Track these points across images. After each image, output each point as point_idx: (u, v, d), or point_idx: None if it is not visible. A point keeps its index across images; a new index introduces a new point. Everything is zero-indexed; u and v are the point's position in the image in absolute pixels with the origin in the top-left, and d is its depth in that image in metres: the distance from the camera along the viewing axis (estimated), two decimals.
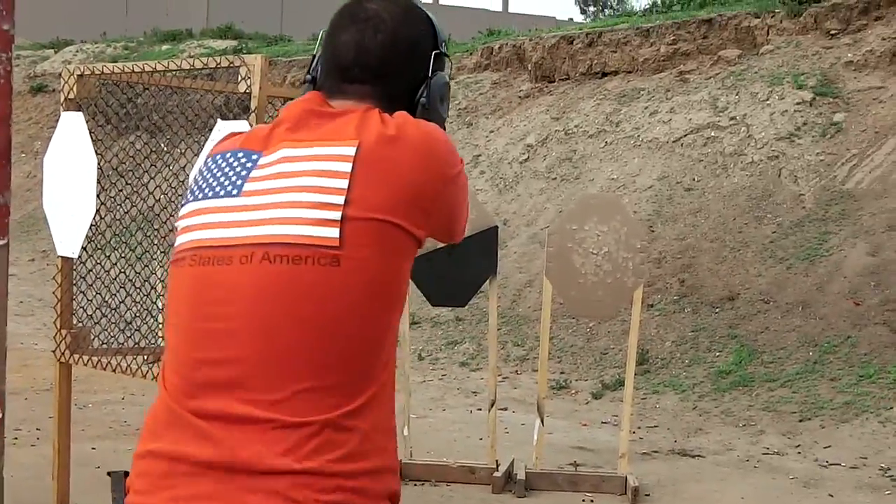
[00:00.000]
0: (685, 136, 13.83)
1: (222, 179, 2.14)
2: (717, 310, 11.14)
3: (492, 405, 7.56)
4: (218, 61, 4.67)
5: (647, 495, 7.34)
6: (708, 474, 7.94)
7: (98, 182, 4.96)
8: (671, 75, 15.13)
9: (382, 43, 2.21)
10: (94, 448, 7.70)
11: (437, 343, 12.26)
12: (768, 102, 13.52)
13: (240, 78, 4.45)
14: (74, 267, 5.22)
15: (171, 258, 2.18)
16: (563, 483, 7.39)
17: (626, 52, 15.91)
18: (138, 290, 5.51)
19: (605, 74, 16.10)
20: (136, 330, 5.34)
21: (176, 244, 2.17)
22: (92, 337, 5.22)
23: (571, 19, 46.82)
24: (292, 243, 1.99)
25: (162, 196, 5.63)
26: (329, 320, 1.98)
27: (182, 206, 2.22)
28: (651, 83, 15.25)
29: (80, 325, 5.29)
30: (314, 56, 2.33)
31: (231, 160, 2.16)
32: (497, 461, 7.48)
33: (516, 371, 11.28)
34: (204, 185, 2.17)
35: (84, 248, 5.10)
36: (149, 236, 6.00)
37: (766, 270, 11.28)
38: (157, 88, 5.69)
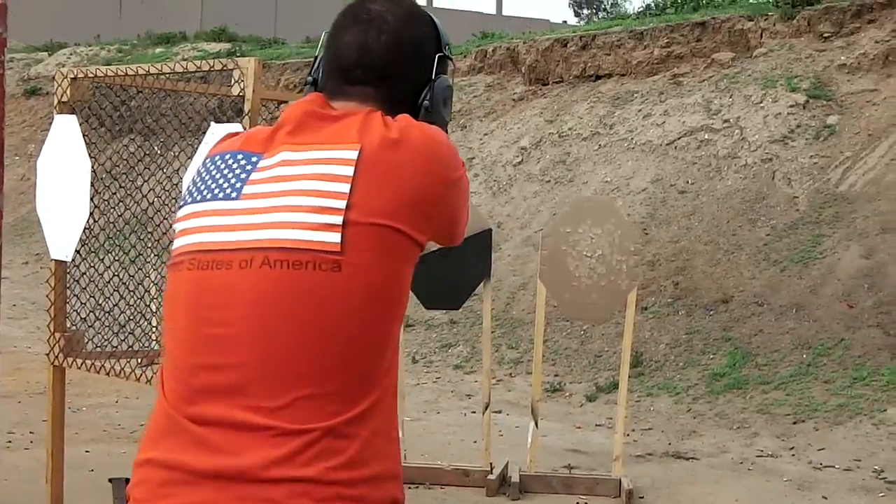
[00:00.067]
0: (679, 138, 13.84)
1: (221, 182, 2.11)
2: (711, 312, 11.14)
3: (486, 408, 7.56)
4: (211, 64, 4.67)
5: (641, 498, 7.35)
6: (702, 476, 7.94)
7: (92, 185, 4.94)
8: (665, 78, 15.14)
9: (386, 44, 2.17)
10: (87, 451, 7.69)
11: (431, 346, 12.26)
12: (762, 105, 13.53)
13: (233, 81, 4.44)
14: (68, 270, 5.21)
15: (169, 261, 2.14)
16: (557, 486, 7.40)
17: (620, 55, 15.92)
18: (132, 294, 5.50)
19: (598, 77, 16.11)
20: (129, 333, 5.33)
21: (173, 247, 2.14)
22: (85, 340, 5.20)
23: (565, 22, 46.89)
24: (293, 248, 1.96)
25: (156, 199, 5.62)
26: (330, 326, 1.95)
27: (180, 207, 2.18)
28: (645, 86, 15.27)
29: (74, 328, 5.28)
30: (316, 57, 2.29)
31: (230, 162, 2.13)
32: (491, 464, 7.48)
33: (510, 374, 11.28)
34: (202, 187, 2.13)
35: (77, 252, 5.09)
36: (142, 239, 6.00)
37: (760, 273, 11.29)
38: (150, 91, 5.68)
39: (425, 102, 2.22)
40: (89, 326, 5.33)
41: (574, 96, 16.01)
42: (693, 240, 12.19)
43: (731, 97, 13.98)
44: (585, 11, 52.38)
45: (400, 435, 7.42)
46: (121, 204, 5.60)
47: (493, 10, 48.86)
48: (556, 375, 10.93)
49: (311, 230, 1.96)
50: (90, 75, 5.13)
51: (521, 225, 14.09)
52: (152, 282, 6.30)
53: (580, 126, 15.26)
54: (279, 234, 1.98)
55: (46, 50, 28.45)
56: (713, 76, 14.60)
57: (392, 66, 2.18)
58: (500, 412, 9.62)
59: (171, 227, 5.23)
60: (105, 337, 5.30)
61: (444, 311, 11.91)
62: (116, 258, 5.57)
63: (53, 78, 5.26)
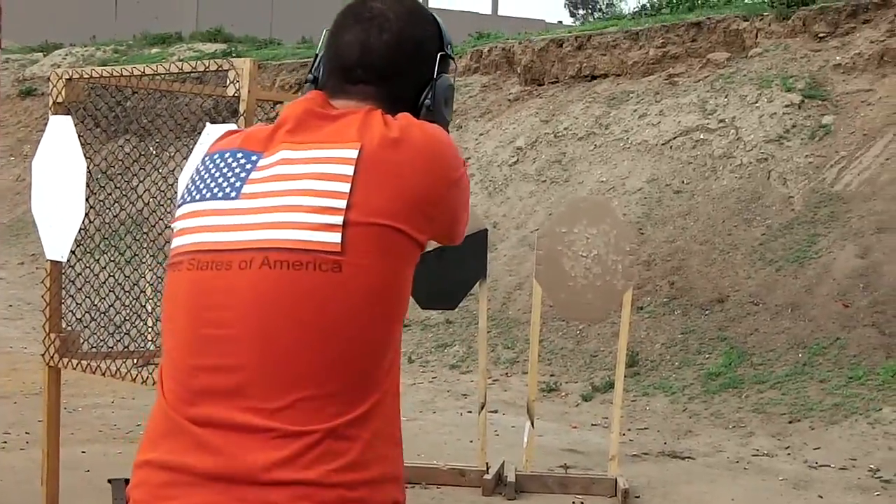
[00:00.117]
0: (674, 138, 13.85)
1: (220, 180, 2.09)
2: (707, 312, 11.15)
3: (482, 408, 7.56)
4: (206, 65, 4.67)
5: (637, 497, 7.35)
6: (698, 476, 7.95)
7: (87, 185, 4.95)
8: (660, 78, 15.15)
9: (387, 43, 2.15)
10: (83, 452, 7.69)
11: (427, 346, 12.26)
12: (757, 105, 13.54)
13: (228, 82, 4.44)
14: (63, 270, 5.21)
15: (168, 261, 2.13)
16: (553, 485, 7.40)
17: (616, 55, 15.93)
18: (127, 294, 5.50)
19: (594, 77, 16.12)
20: (125, 333, 5.33)
21: (172, 246, 2.12)
22: (81, 340, 5.21)
23: (561, 22, 46.90)
24: (292, 248, 1.95)
25: (151, 200, 5.62)
26: (330, 326, 1.94)
27: (178, 206, 2.16)
28: (640, 86, 15.27)
29: (70, 328, 5.28)
30: (317, 55, 2.27)
31: (230, 160, 2.11)
32: (487, 464, 7.48)
33: (506, 374, 11.28)
34: (201, 186, 2.11)
35: (73, 252, 5.09)
36: (138, 240, 5.99)
37: (756, 272, 11.30)
38: (146, 92, 5.67)
39: (427, 101, 2.20)
40: (85, 327, 5.34)
41: (570, 96, 16.02)
42: (689, 239, 12.20)
43: (726, 97, 13.99)
44: (581, 12, 52.40)
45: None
46: (116, 204, 5.60)
47: (488, 11, 48.84)
48: (552, 375, 10.94)
49: (311, 230, 1.95)
50: (85, 76, 5.13)
51: (516, 225, 14.09)
52: (148, 282, 6.30)
53: (576, 126, 15.26)
54: (279, 234, 1.96)
55: (42, 51, 28.42)
56: (709, 76, 14.61)
57: (393, 65, 2.16)
58: (496, 412, 9.63)
59: (166, 227, 5.24)
60: (101, 337, 5.30)
61: (441, 311, 11.92)
62: (112, 259, 5.57)
63: (48, 79, 5.26)
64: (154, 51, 26.17)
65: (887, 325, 9.88)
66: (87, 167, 4.98)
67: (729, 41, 14.94)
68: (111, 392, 9.61)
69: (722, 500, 7.39)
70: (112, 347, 5.29)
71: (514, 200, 14.61)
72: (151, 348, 5.37)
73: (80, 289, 5.38)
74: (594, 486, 7.39)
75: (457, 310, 9.56)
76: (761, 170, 12.65)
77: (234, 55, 22.00)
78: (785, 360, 10.04)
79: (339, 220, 1.94)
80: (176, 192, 4.90)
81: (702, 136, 13.62)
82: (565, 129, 15.34)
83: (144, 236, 5.83)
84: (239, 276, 1.97)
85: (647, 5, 19.42)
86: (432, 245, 2.15)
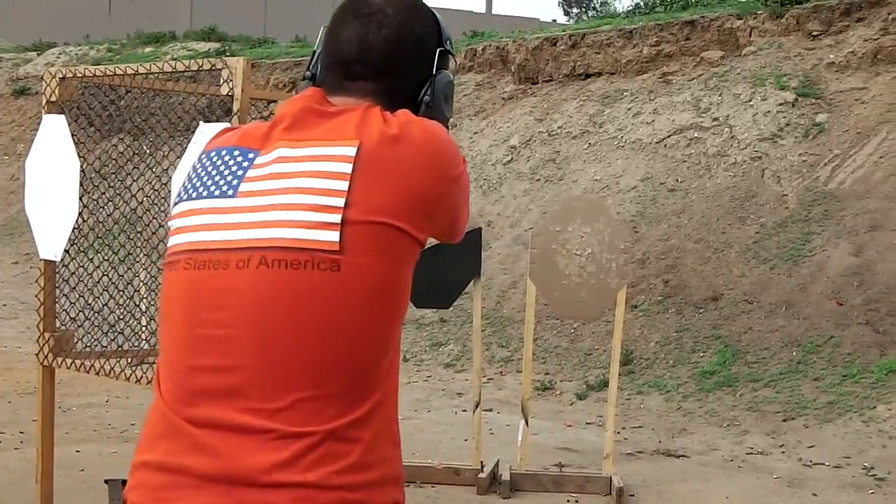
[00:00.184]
0: (668, 137, 13.86)
1: (217, 178, 2.06)
2: (701, 310, 11.16)
3: (476, 406, 7.56)
4: (200, 64, 4.66)
5: (631, 496, 7.35)
6: (692, 474, 7.95)
7: (81, 185, 4.94)
8: (654, 77, 15.16)
9: (386, 38, 2.13)
10: (78, 451, 7.68)
11: (421, 344, 12.26)
12: (751, 103, 13.55)
13: (222, 80, 4.44)
14: (57, 270, 5.20)
15: (165, 260, 2.10)
16: (547, 484, 7.40)
17: (610, 54, 15.93)
18: (121, 293, 5.49)
19: (588, 76, 16.12)
20: (119, 333, 5.32)
21: (169, 245, 2.10)
22: (75, 340, 5.20)
23: (555, 21, 46.87)
24: (291, 247, 1.92)
25: (145, 199, 5.62)
26: (329, 326, 1.92)
27: (175, 204, 2.14)
28: (634, 84, 15.28)
29: (63, 328, 5.27)
30: (314, 52, 2.25)
31: (227, 158, 2.08)
32: (482, 462, 7.48)
33: (501, 372, 11.29)
34: (198, 184, 2.09)
35: (67, 251, 5.08)
36: (132, 239, 5.99)
37: (750, 271, 11.31)
38: (139, 91, 5.67)
39: (426, 98, 2.18)
40: (79, 326, 5.33)
41: (564, 95, 16.02)
42: (683, 238, 12.21)
43: (720, 95, 14.00)
44: (575, 10, 52.36)
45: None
46: (110, 203, 5.59)
47: (482, 9, 48.83)
48: (546, 374, 10.94)
49: (309, 229, 1.93)
50: (79, 75, 5.12)
51: (511, 224, 14.10)
52: (142, 281, 6.30)
53: (570, 125, 15.27)
54: (277, 233, 1.94)
55: (35, 50, 28.38)
56: (702, 74, 14.62)
57: (392, 62, 2.14)
58: (490, 410, 9.63)
59: (160, 226, 5.24)
60: (95, 336, 5.30)
61: (435, 310, 11.91)
62: (106, 258, 5.57)
63: (42, 77, 5.25)
64: (148, 50, 26.15)
65: (881, 323, 9.90)
66: (81, 166, 4.97)
67: (723, 39, 14.96)
68: (105, 391, 9.60)
69: (716, 498, 7.40)
70: (106, 346, 5.28)
71: (509, 199, 14.61)
72: (146, 347, 5.37)
73: (74, 288, 5.37)
74: (589, 485, 7.39)
75: (451, 308, 9.55)
76: (755, 168, 12.66)
77: (227, 54, 21.99)
78: (779, 358, 10.05)
79: (337, 218, 1.92)
80: (170, 192, 4.89)
81: (696, 135, 13.63)
82: (559, 127, 15.34)
83: (138, 235, 5.83)
84: (237, 275, 1.95)
85: (641, 4, 19.45)
86: (428, 242, 2.13)
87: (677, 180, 13.16)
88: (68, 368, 5.19)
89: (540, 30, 19.76)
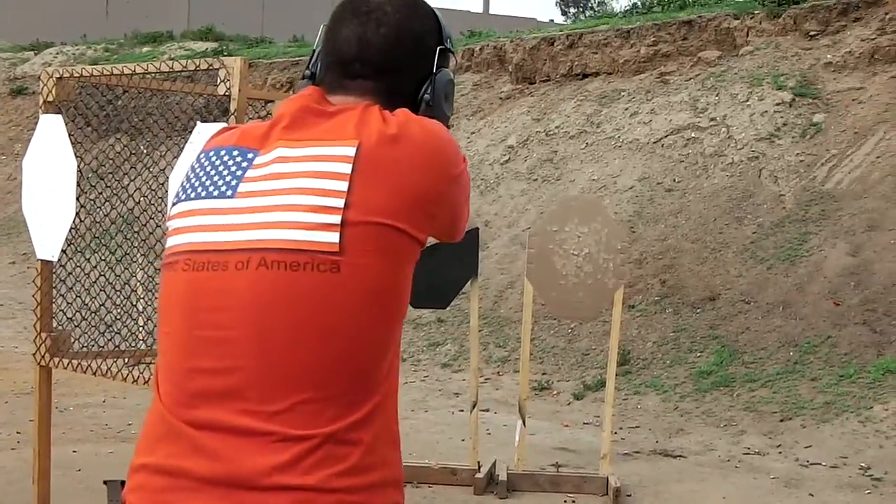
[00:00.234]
0: (665, 136, 13.86)
1: (216, 179, 2.05)
2: (698, 310, 11.16)
3: (473, 406, 7.56)
4: (197, 63, 4.66)
5: (628, 496, 7.36)
6: (689, 474, 7.96)
7: (78, 185, 4.94)
8: (651, 76, 15.16)
9: (386, 36, 2.11)
10: (75, 451, 7.68)
11: (419, 344, 12.26)
12: (748, 103, 13.56)
13: (219, 80, 4.44)
14: (54, 270, 5.20)
15: (163, 261, 2.08)
16: (544, 484, 7.40)
17: (607, 54, 15.93)
18: (118, 293, 5.49)
19: (585, 76, 16.12)
20: (116, 333, 5.33)
21: (167, 246, 2.08)
22: (72, 340, 5.20)
23: (552, 21, 46.89)
24: (290, 249, 1.91)
25: (142, 199, 5.62)
26: (329, 328, 1.90)
27: (173, 204, 2.12)
28: (631, 84, 15.28)
29: (60, 328, 5.27)
30: (314, 51, 2.23)
31: (225, 158, 2.07)
32: (479, 462, 7.48)
33: (498, 372, 11.29)
34: (196, 184, 2.07)
35: (64, 251, 5.08)
36: (129, 239, 5.99)
37: (747, 271, 11.31)
38: (136, 91, 5.67)
39: (426, 96, 2.16)
40: (76, 326, 5.33)
41: (561, 95, 16.03)
42: (680, 238, 12.21)
43: (717, 95, 14.00)
44: (572, 10, 52.36)
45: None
46: (107, 203, 5.59)
47: (479, 9, 48.82)
48: (543, 374, 10.94)
49: (309, 230, 1.91)
50: (76, 75, 5.12)
51: (508, 223, 14.10)
52: (139, 281, 6.30)
53: (567, 124, 15.27)
54: (276, 234, 1.93)
55: (33, 49, 28.36)
56: (700, 74, 14.62)
57: (392, 60, 2.12)
58: (487, 411, 9.63)
59: (158, 226, 5.24)
60: (91, 337, 5.30)
61: (432, 310, 11.91)
62: (103, 258, 5.57)
63: (39, 77, 5.25)
64: (145, 49, 26.14)
65: (878, 323, 9.90)
66: (78, 166, 4.97)
67: (720, 39, 14.96)
68: (102, 391, 9.60)
69: (713, 498, 7.40)
70: (103, 347, 5.28)
71: (506, 199, 14.61)
72: (143, 347, 5.37)
73: (71, 288, 5.37)
74: (586, 485, 7.39)
75: (448, 308, 9.55)
76: (752, 168, 12.67)
77: (225, 54, 21.98)
78: (776, 358, 10.05)
79: (336, 219, 1.91)
80: (167, 191, 4.89)
81: (693, 135, 13.63)
82: (557, 127, 15.34)
83: (135, 235, 5.83)
84: (236, 276, 1.94)
85: (639, 4, 19.45)
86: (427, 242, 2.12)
87: (674, 180, 13.16)
88: (65, 368, 5.18)
89: (537, 30, 19.77)
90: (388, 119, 2.02)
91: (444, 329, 12.47)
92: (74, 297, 5.40)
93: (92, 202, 5.57)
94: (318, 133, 2.02)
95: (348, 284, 1.91)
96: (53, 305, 5.23)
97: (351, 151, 1.96)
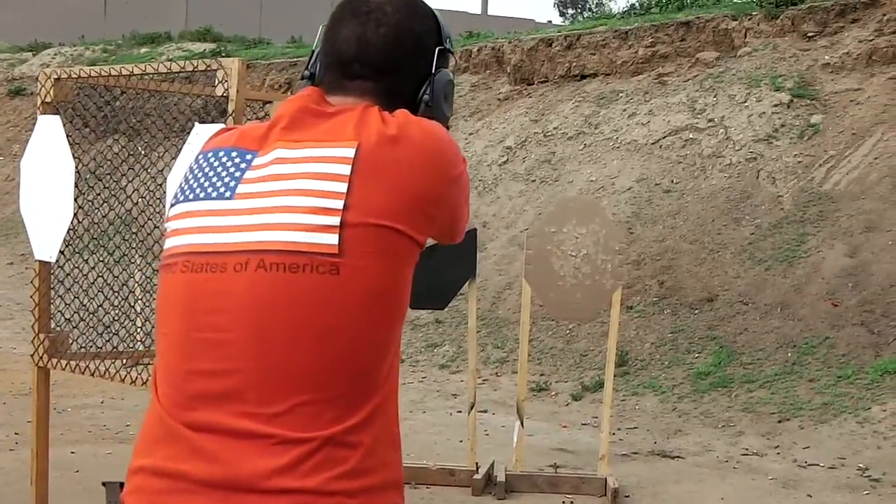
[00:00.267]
0: (664, 138, 13.86)
1: (214, 180, 2.04)
2: (696, 311, 11.17)
3: (471, 407, 7.56)
4: (195, 64, 4.66)
5: (626, 497, 7.36)
6: (687, 475, 7.96)
7: (76, 185, 4.94)
8: (649, 77, 15.16)
9: (385, 37, 2.10)
10: (73, 452, 7.68)
11: (416, 345, 12.26)
12: (746, 104, 13.56)
13: (217, 81, 4.44)
14: (52, 271, 5.20)
15: (161, 262, 2.07)
16: (543, 485, 7.40)
17: (605, 55, 15.93)
18: (116, 294, 5.50)
19: (583, 77, 16.12)
20: (114, 334, 5.33)
21: (165, 247, 2.07)
22: (70, 341, 5.20)
23: (550, 22, 46.88)
24: (289, 250, 1.90)
25: (140, 200, 5.62)
26: (328, 330, 1.89)
27: (171, 205, 2.11)
28: (629, 85, 15.28)
29: (58, 328, 5.27)
30: (313, 51, 2.22)
31: (224, 159, 2.06)
32: (477, 463, 7.48)
33: (496, 373, 11.29)
34: (195, 185, 2.06)
35: (62, 252, 5.08)
36: (127, 240, 5.98)
37: (745, 272, 11.31)
38: (135, 91, 5.67)
39: (425, 97, 2.15)
40: (74, 327, 5.33)
41: (559, 96, 16.03)
42: (678, 239, 12.22)
43: (715, 96, 14.01)
44: (570, 11, 52.38)
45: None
46: (105, 204, 5.60)
47: (478, 10, 48.80)
48: (541, 375, 10.94)
49: (308, 232, 1.90)
50: (74, 76, 5.12)
51: (506, 224, 14.10)
52: (137, 282, 6.29)
53: (565, 125, 15.27)
54: (275, 235, 1.92)
55: (31, 50, 28.34)
56: (698, 76, 14.63)
57: (391, 60, 2.11)
58: (485, 412, 9.63)
59: (156, 227, 5.24)
60: (90, 337, 5.30)
61: (430, 311, 11.91)
62: (101, 259, 5.57)
63: (37, 78, 5.25)
64: (143, 50, 26.13)
65: (876, 324, 9.91)
66: (76, 167, 4.97)
67: (718, 40, 14.96)
68: (100, 392, 9.59)
69: (711, 499, 7.40)
70: (101, 348, 5.28)
71: (504, 200, 14.61)
72: (140, 348, 5.37)
73: (69, 289, 5.37)
74: (584, 486, 7.39)
75: (446, 309, 9.55)
76: (750, 169, 12.67)
77: (223, 55, 21.97)
78: (774, 359, 10.05)
79: (336, 221, 1.90)
80: (165, 193, 4.89)
81: (691, 136, 13.64)
82: (555, 128, 15.34)
83: (133, 236, 5.83)
84: (234, 278, 1.93)
85: (637, 5, 19.43)
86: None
87: (672, 181, 13.16)
88: (63, 369, 5.18)
89: (535, 31, 19.77)
90: (387, 120, 2.01)
91: (442, 330, 12.47)
92: (72, 298, 5.40)
93: (90, 203, 5.57)
94: (318, 134, 2.01)
95: (347, 286, 1.90)
96: (51, 306, 5.23)
97: (350, 153, 1.95)
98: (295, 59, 20.68)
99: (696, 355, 10.55)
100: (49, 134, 5.03)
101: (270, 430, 1.87)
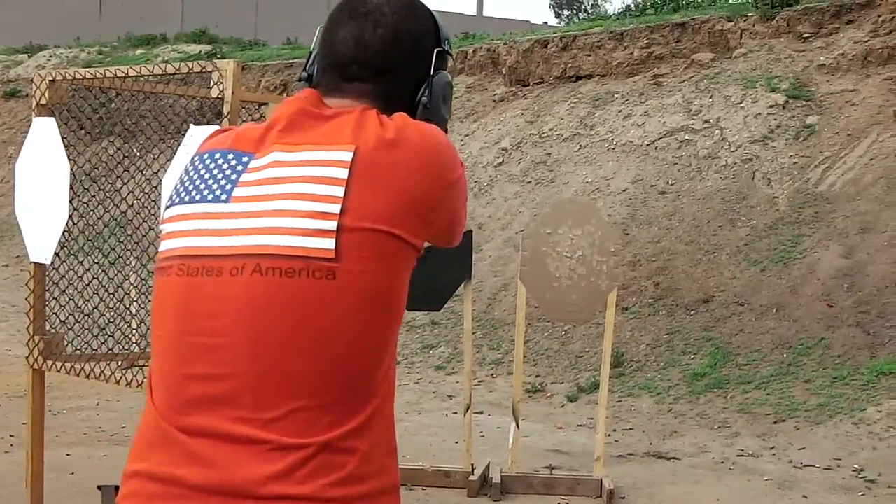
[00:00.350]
0: (659, 139, 13.87)
1: (210, 182, 2.02)
2: (692, 312, 11.17)
3: (467, 409, 7.56)
4: (190, 66, 4.66)
5: (622, 498, 7.36)
6: (683, 476, 7.96)
7: (71, 187, 4.93)
8: (645, 79, 15.17)
9: (383, 38, 2.09)
10: (68, 454, 7.67)
11: (412, 347, 12.26)
12: (742, 105, 13.57)
13: (212, 83, 4.43)
14: (47, 273, 5.19)
15: (156, 265, 2.06)
16: (538, 486, 7.40)
17: (600, 56, 15.94)
18: (111, 296, 5.49)
19: (579, 78, 16.13)
20: (109, 336, 5.32)
21: (160, 249, 2.05)
22: (65, 343, 5.19)
23: (546, 23, 46.88)
24: (285, 255, 1.88)
25: (135, 202, 5.62)
26: (325, 335, 1.88)
27: (167, 207, 2.09)
28: (625, 86, 15.29)
29: (54, 331, 5.26)
30: (310, 53, 2.20)
31: (220, 161, 2.04)
32: (472, 465, 7.48)
33: (492, 374, 11.28)
34: (191, 187, 2.04)
35: (57, 254, 5.08)
36: (122, 242, 5.98)
37: (741, 273, 11.32)
38: (130, 93, 5.66)
39: (423, 99, 2.14)
40: (69, 329, 5.33)
41: (554, 97, 16.03)
42: (673, 240, 12.22)
43: (711, 98, 14.01)
44: (566, 12, 52.41)
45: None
46: (100, 206, 5.59)
47: (473, 11, 48.81)
48: (537, 376, 10.94)
49: (304, 236, 1.88)
50: (69, 77, 5.11)
51: (501, 226, 14.10)
52: (132, 284, 6.29)
53: (561, 127, 15.27)
54: (271, 240, 1.90)
55: (26, 52, 28.32)
56: (693, 77, 14.63)
57: (389, 62, 2.10)
58: (481, 413, 9.63)
59: (151, 229, 5.23)
60: (85, 339, 5.29)
61: (426, 313, 11.91)
62: (96, 260, 5.57)
63: (32, 80, 5.24)
64: (139, 52, 26.11)
65: (871, 325, 9.91)
66: (71, 169, 4.96)
67: (713, 42, 14.97)
68: (96, 394, 9.59)
69: (707, 500, 7.40)
70: (96, 350, 5.28)
71: (500, 201, 14.61)
72: (136, 350, 5.36)
73: (65, 291, 5.37)
74: (579, 487, 7.39)
75: (442, 311, 9.54)
76: (746, 170, 12.68)
77: (218, 56, 21.95)
78: (770, 360, 10.06)
79: (332, 225, 1.89)
80: (160, 194, 4.88)
81: (686, 137, 13.64)
82: (550, 129, 15.34)
83: (129, 238, 5.83)
84: (230, 283, 1.92)
85: (632, 6, 19.45)
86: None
87: (668, 182, 13.17)
88: (58, 371, 5.18)
89: (531, 32, 19.77)
90: (385, 123, 2.00)
91: (437, 331, 12.47)
92: (68, 300, 5.39)
93: (85, 205, 5.56)
94: (315, 137, 2.00)
95: (344, 291, 1.89)
96: (47, 308, 5.22)
97: (348, 156, 1.94)
98: (290, 61, 20.67)
99: (692, 356, 10.55)
100: (44, 136, 5.02)
101: (266, 436, 1.86)
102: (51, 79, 5.10)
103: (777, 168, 12.50)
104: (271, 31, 33.42)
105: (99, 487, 5.82)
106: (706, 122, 13.68)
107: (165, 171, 4.59)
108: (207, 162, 2.07)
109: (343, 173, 1.92)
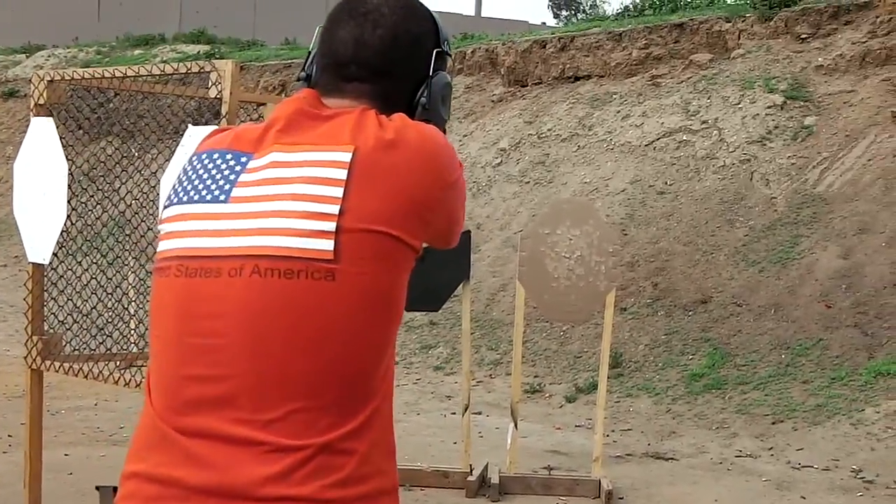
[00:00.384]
0: (657, 139, 13.87)
1: (209, 183, 2.01)
2: (690, 313, 11.17)
3: (465, 409, 7.56)
4: (189, 66, 4.65)
5: (620, 498, 7.36)
6: (681, 477, 7.96)
7: (69, 188, 4.93)
8: (643, 79, 15.17)
9: (382, 38, 2.07)
10: (67, 455, 7.67)
11: (411, 347, 12.26)
12: (740, 106, 13.58)
13: (210, 83, 4.43)
14: (46, 273, 5.19)
15: (155, 265, 2.05)
16: (536, 487, 7.40)
17: (599, 57, 15.95)
18: (110, 296, 5.49)
19: (577, 78, 16.13)
20: (107, 336, 5.32)
21: (159, 250, 2.04)
22: (64, 343, 5.19)
23: (544, 24, 46.87)
24: (284, 256, 1.88)
25: (133, 202, 5.61)
26: (323, 336, 1.87)
27: (165, 207, 2.08)
28: (623, 87, 15.30)
29: (52, 331, 5.26)
30: (309, 53, 2.19)
31: (218, 161, 2.03)
32: (471, 465, 7.48)
33: (490, 375, 11.28)
34: (189, 188, 2.03)
35: (55, 254, 5.07)
36: (120, 242, 5.98)
37: (739, 273, 11.32)
38: (128, 94, 5.66)
39: (422, 100, 2.13)
40: (67, 329, 5.32)
41: (553, 97, 16.03)
42: (672, 241, 12.22)
43: (709, 98, 14.02)
44: (564, 13, 52.40)
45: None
46: (98, 206, 5.59)
47: (472, 12, 48.82)
48: (535, 376, 10.94)
49: (303, 237, 1.88)
50: (67, 77, 5.11)
51: (500, 226, 14.10)
52: (130, 284, 6.29)
53: (559, 127, 15.28)
54: (270, 241, 1.90)
55: (24, 52, 28.32)
56: (691, 77, 14.64)
57: (388, 62, 2.09)
58: (479, 413, 9.63)
59: (149, 229, 5.23)
60: (83, 340, 5.29)
61: (425, 313, 11.90)
62: (94, 261, 5.56)
63: (31, 80, 5.24)
64: (137, 52, 26.11)
65: (869, 325, 9.92)
66: (70, 169, 4.96)
67: (711, 42, 14.98)
68: (94, 395, 9.59)
69: (705, 500, 7.40)
70: (95, 350, 5.28)
71: (498, 202, 14.61)
72: (134, 350, 5.36)
73: (63, 291, 5.37)
74: (578, 488, 7.40)
75: (440, 311, 9.55)
76: (744, 171, 12.68)
77: (217, 56, 21.94)
78: (768, 360, 10.06)
79: (331, 226, 1.88)
80: (158, 195, 4.88)
81: (685, 138, 13.64)
82: (549, 130, 15.35)
83: (127, 238, 5.82)
84: (229, 284, 1.91)
85: (630, 7, 19.45)
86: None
87: (666, 183, 13.17)
88: (57, 372, 5.17)
89: (529, 32, 19.77)
90: (384, 124, 1.99)
91: (436, 332, 12.47)
92: (66, 300, 5.39)
93: (83, 205, 5.56)
94: (314, 137, 1.99)
95: (343, 292, 1.88)
96: (45, 309, 5.22)
97: (347, 157, 1.93)
98: (289, 61, 20.67)
99: (690, 357, 10.55)
100: (42, 136, 5.02)
101: (264, 437, 1.85)
102: (49, 79, 5.09)
103: (775, 169, 12.51)
104: (269, 32, 33.43)
105: (97, 488, 5.82)
106: (704, 122, 13.68)
107: (164, 171, 4.59)
108: (206, 162, 2.06)
109: (342, 174, 1.91)
